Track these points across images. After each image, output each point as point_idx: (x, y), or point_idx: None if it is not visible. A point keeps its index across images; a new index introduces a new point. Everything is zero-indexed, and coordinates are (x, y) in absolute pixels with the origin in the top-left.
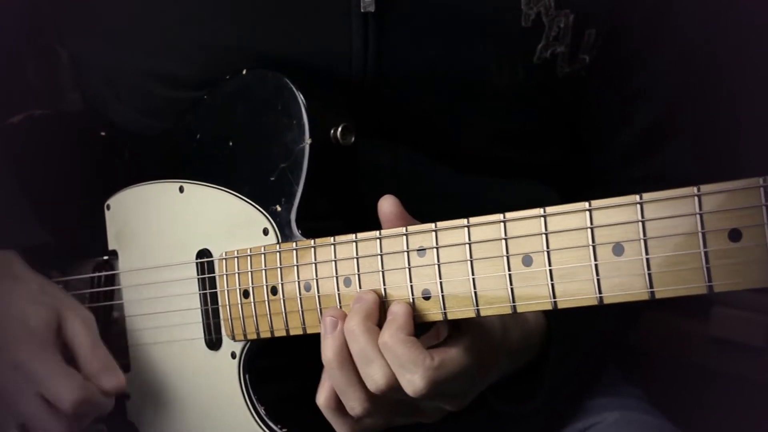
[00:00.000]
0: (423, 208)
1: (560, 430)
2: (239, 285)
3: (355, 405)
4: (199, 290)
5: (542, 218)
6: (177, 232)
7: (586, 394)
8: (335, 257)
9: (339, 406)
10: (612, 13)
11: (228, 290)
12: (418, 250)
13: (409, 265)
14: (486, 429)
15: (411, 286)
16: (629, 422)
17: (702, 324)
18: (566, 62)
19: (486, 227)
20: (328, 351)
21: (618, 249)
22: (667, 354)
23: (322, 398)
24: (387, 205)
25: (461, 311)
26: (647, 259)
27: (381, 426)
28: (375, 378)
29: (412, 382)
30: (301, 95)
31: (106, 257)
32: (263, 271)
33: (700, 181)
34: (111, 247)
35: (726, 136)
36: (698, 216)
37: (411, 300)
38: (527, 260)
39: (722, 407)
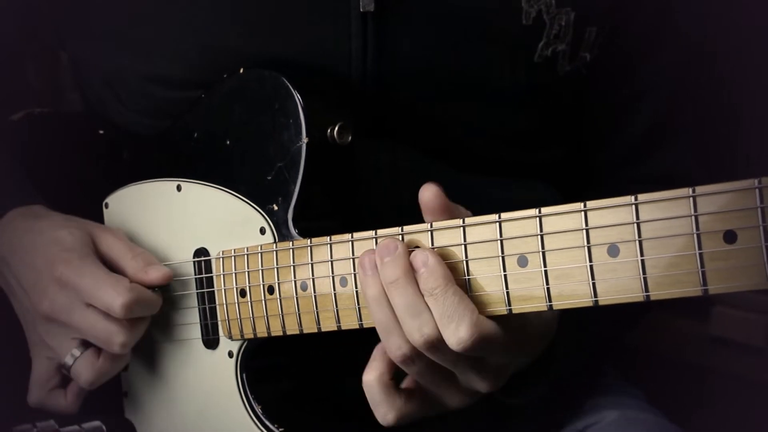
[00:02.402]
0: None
1: (560, 429)
2: (236, 284)
3: (401, 344)
4: (197, 289)
5: (537, 219)
6: (174, 230)
7: (585, 393)
8: (332, 257)
9: (389, 383)
10: (613, 12)
11: (225, 289)
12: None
13: None
14: (486, 428)
15: None
16: (628, 421)
17: (702, 324)
18: (567, 60)
19: (481, 227)
20: (372, 290)
21: (613, 250)
22: (667, 354)
23: (372, 376)
24: (429, 195)
25: None
26: (642, 261)
27: (416, 413)
28: (422, 329)
29: (457, 333)
30: (298, 94)
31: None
32: (260, 271)
33: (702, 181)
34: None
35: (727, 136)
36: (693, 217)
37: None
38: (522, 261)
39: (722, 407)
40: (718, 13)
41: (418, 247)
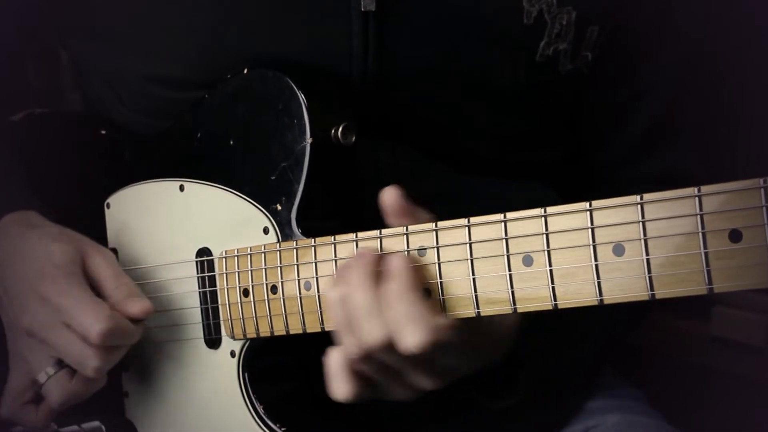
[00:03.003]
0: (423, 208)
1: (559, 428)
2: (239, 284)
3: (354, 342)
4: (199, 289)
5: (543, 218)
6: (177, 230)
7: (585, 395)
8: (335, 256)
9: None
10: (614, 11)
11: (228, 289)
12: (418, 249)
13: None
14: (482, 426)
15: None
16: (629, 424)
17: (702, 324)
18: (569, 60)
19: (486, 227)
20: (334, 291)
21: (618, 249)
22: (668, 354)
23: (334, 353)
24: (389, 197)
25: (461, 311)
26: (647, 260)
27: (367, 392)
28: (372, 332)
29: (405, 339)
30: (302, 95)
31: None
32: (263, 270)
33: (702, 181)
34: (111, 245)
35: (728, 135)
36: (699, 216)
37: None
38: (528, 260)
39: (722, 407)
40: (719, 13)
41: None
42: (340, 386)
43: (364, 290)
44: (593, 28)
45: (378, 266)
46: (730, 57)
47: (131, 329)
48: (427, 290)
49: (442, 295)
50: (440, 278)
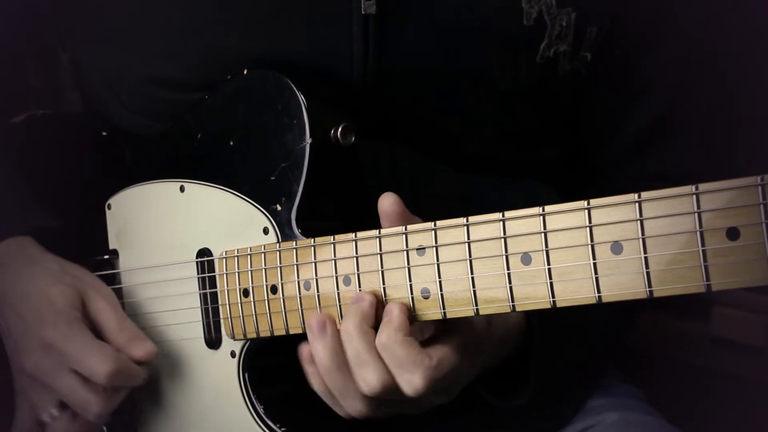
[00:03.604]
0: (423, 208)
1: (562, 426)
2: (239, 284)
3: (353, 403)
4: (199, 289)
5: (541, 217)
6: (177, 231)
7: (585, 394)
8: (335, 256)
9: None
10: (613, 11)
11: (228, 289)
12: (417, 249)
13: (408, 264)
14: (486, 429)
15: (410, 285)
16: (629, 423)
17: (702, 324)
18: (568, 61)
19: (485, 226)
20: (321, 353)
21: (616, 248)
22: (667, 354)
23: (305, 349)
24: (387, 203)
25: (460, 310)
26: (645, 258)
27: (372, 413)
28: (369, 380)
29: (412, 382)
30: (302, 95)
31: (106, 256)
32: (263, 270)
33: (702, 179)
34: (111, 246)
35: (727, 134)
36: (696, 215)
37: (410, 299)
38: (526, 259)
39: (722, 407)
40: (718, 12)
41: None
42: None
43: (357, 338)
44: (592, 29)
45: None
46: (729, 56)
47: (136, 370)
48: (426, 290)
49: (441, 294)
50: (439, 277)
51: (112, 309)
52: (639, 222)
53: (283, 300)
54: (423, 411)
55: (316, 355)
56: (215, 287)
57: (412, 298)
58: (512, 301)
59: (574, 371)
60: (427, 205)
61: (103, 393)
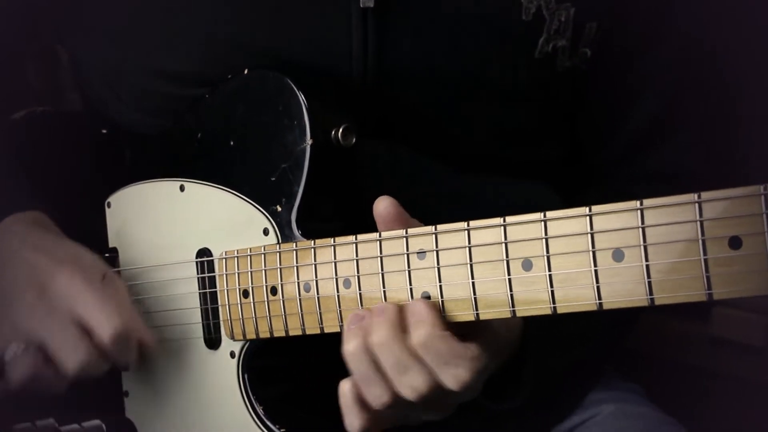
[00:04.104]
0: (423, 208)
1: (557, 424)
2: (239, 285)
3: (381, 393)
4: (199, 289)
5: (542, 222)
6: (177, 230)
7: (585, 392)
8: (335, 258)
9: (361, 397)
10: (612, 7)
11: (228, 290)
12: (418, 252)
13: (408, 267)
14: (483, 425)
15: (411, 288)
16: (625, 414)
17: (702, 325)
18: (567, 56)
19: (486, 231)
20: (351, 344)
21: (618, 255)
22: (667, 355)
23: (347, 387)
24: (383, 206)
25: (461, 314)
26: (647, 266)
27: (396, 423)
28: (415, 384)
29: (458, 376)
30: (303, 96)
31: (106, 255)
32: (263, 272)
33: (701, 178)
34: (111, 245)
35: (726, 133)
36: (698, 223)
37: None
38: (527, 264)
39: (722, 407)
40: (717, 11)
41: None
42: (353, 421)
43: (392, 345)
44: (591, 25)
45: (399, 317)
46: (729, 55)
47: (148, 336)
48: (427, 294)
49: (442, 298)
50: (440, 281)
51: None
52: (641, 229)
53: (283, 301)
54: (448, 414)
55: (345, 346)
56: (215, 287)
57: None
58: (513, 307)
59: (570, 374)
60: (427, 205)
61: (98, 351)
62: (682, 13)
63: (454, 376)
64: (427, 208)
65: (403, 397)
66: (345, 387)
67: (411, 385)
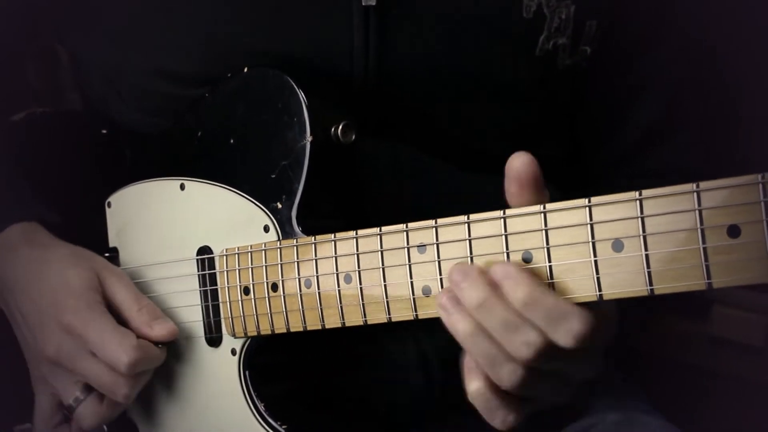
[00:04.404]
0: (424, 207)
1: (560, 429)
2: (240, 282)
3: (509, 370)
4: (200, 287)
5: (542, 214)
6: (178, 229)
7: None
8: (336, 254)
9: (495, 389)
10: (612, 5)
11: (228, 287)
12: (418, 246)
13: (409, 261)
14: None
15: (411, 282)
16: (630, 422)
17: (702, 324)
18: (568, 54)
19: (486, 224)
20: (463, 324)
21: (617, 245)
22: (667, 354)
23: (474, 387)
24: (519, 162)
25: None
26: (647, 255)
27: (530, 407)
28: (529, 341)
29: (572, 330)
30: (302, 93)
31: (107, 254)
32: (264, 268)
33: (701, 178)
34: (112, 244)
35: (727, 133)
36: (697, 212)
37: (411, 297)
38: (527, 256)
39: (722, 407)
40: (718, 10)
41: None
42: (505, 417)
43: (494, 306)
44: (592, 23)
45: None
46: (729, 55)
47: (157, 354)
48: (427, 288)
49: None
50: (440, 275)
51: (129, 289)
52: (640, 219)
53: (284, 298)
54: (569, 397)
55: (456, 330)
56: (216, 285)
57: (413, 296)
58: None
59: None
60: (428, 203)
61: (129, 378)
62: (683, 12)
63: (568, 331)
64: (428, 207)
65: (523, 359)
66: (475, 387)
67: (526, 341)
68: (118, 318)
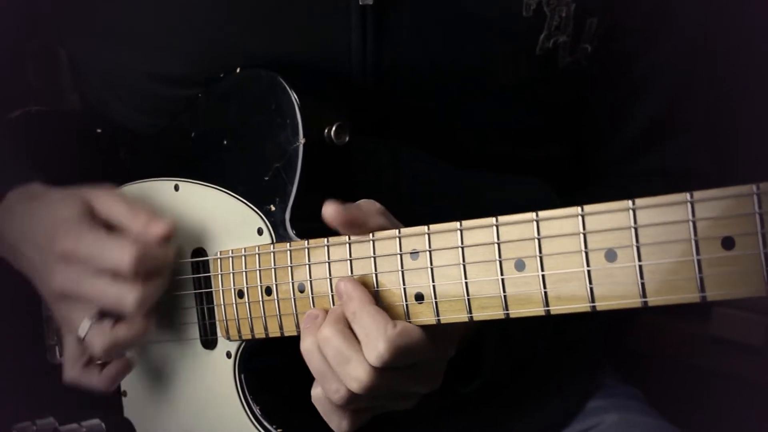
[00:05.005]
0: (423, 206)
1: (558, 431)
2: (234, 285)
3: (338, 388)
4: (195, 289)
5: (535, 222)
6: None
7: (585, 396)
8: (329, 259)
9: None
10: (613, 3)
11: (223, 290)
12: (411, 252)
13: (402, 267)
14: (483, 430)
15: (404, 288)
16: (629, 424)
17: (702, 325)
18: (568, 52)
19: (479, 231)
20: (305, 342)
21: (611, 255)
22: (668, 355)
23: (315, 391)
24: (328, 213)
25: (454, 316)
26: (640, 266)
27: (368, 415)
28: (356, 375)
29: (376, 349)
30: (295, 94)
31: None
32: (257, 272)
33: (702, 177)
34: None
35: (727, 131)
36: (691, 223)
37: (404, 303)
38: (520, 265)
39: (722, 407)
40: (719, 10)
41: None
42: (339, 423)
43: (331, 339)
44: (592, 20)
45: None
46: (730, 54)
47: (159, 252)
48: (420, 295)
49: (435, 299)
50: (432, 282)
51: (119, 200)
52: (633, 229)
53: (278, 302)
54: (413, 405)
55: (301, 343)
56: (210, 287)
57: (406, 302)
58: (506, 308)
59: (547, 357)
60: (427, 202)
61: (136, 281)
62: (683, 10)
63: (373, 349)
64: (428, 206)
65: (350, 389)
66: (316, 392)
67: (352, 375)
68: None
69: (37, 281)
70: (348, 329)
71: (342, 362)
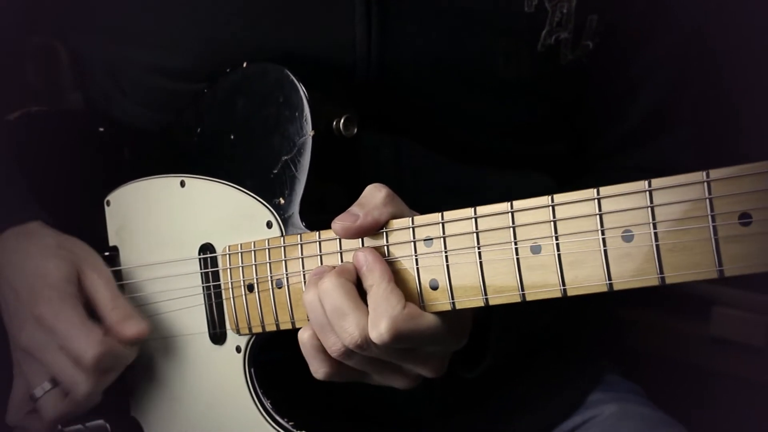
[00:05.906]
0: (426, 201)
1: (559, 424)
2: (243, 279)
3: (335, 341)
4: (203, 284)
5: (551, 207)
6: (179, 227)
7: (585, 389)
8: (341, 249)
9: (320, 345)
10: (613, 0)
11: (232, 284)
12: (425, 240)
13: (416, 254)
14: (487, 423)
15: (418, 276)
16: (627, 415)
17: (702, 324)
18: (569, 49)
19: (493, 218)
20: (309, 294)
21: (627, 235)
22: (667, 354)
23: (305, 335)
24: (337, 231)
25: (470, 300)
26: (657, 246)
27: (355, 377)
28: (350, 331)
29: (377, 327)
30: (303, 87)
31: (107, 253)
32: (267, 264)
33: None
34: (111, 243)
35: (725, 128)
36: (708, 200)
37: (419, 290)
38: (536, 248)
39: (722, 407)
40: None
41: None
42: (317, 368)
43: (332, 292)
44: (593, 17)
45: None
46: (728, 50)
47: (124, 353)
48: (435, 281)
49: (450, 285)
50: (447, 268)
51: (107, 286)
52: (650, 209)
53: (288, 294)
54: (412, 386)
55: (304, 295)
56: (219, 282)
57: (420, 289)
58: (522, 290)
59: (545, 342)
60: (430, 197)
61: (92, 374)
62: (682, 8)
63: (374, 326)
64: (430, 201)
65: (344, 342)
66: (304, 336)
67: (349, 332)
68: (93, 314)
69: (6, 322)
70: (350, 284)
71: (339, 316)
